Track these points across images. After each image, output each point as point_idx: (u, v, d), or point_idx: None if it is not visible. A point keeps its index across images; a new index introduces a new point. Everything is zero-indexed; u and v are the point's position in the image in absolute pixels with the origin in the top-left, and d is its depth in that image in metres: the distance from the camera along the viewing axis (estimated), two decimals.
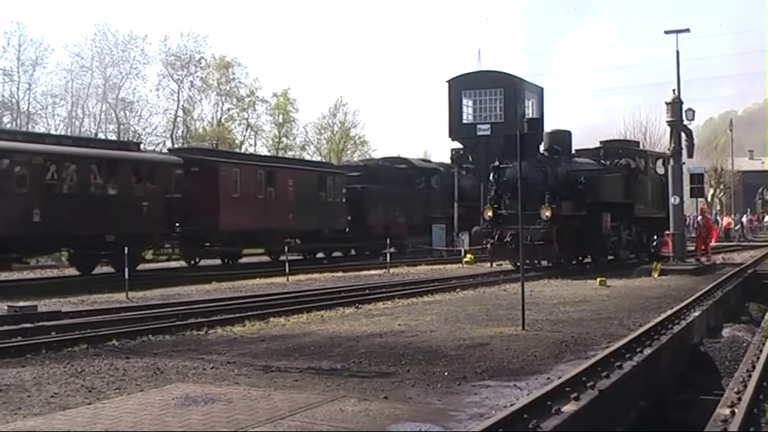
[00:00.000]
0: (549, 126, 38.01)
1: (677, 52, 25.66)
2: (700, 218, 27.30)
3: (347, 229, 31.51)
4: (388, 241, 26.53)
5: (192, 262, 26.65)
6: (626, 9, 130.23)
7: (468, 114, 48.75)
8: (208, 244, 26.13)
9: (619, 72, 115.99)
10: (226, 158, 28.14)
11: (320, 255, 32.39)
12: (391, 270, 23.75)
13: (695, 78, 70.62)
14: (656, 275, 20.62)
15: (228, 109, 63.11)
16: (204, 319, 12.17)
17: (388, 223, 33.41)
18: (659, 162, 28.13)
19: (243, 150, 54.33)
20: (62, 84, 54.08)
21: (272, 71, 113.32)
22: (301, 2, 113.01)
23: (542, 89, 51.91)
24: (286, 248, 22.34)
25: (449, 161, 41.58)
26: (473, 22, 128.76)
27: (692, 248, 26.78)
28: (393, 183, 34.31)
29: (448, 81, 49.58)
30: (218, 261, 28.16)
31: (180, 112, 59.27)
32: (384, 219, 33.30)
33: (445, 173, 38.58)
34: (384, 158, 41.10)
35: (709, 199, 62.87)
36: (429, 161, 42.20)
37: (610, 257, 24.94)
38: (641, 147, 35.89)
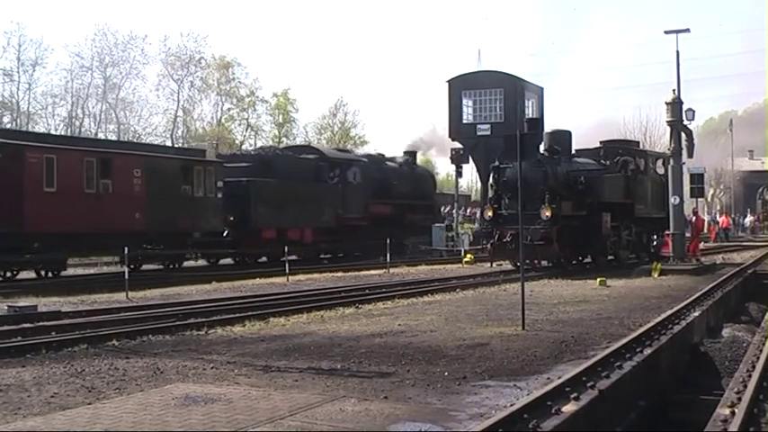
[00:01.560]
0: (549, 126, 38.05)
1: (677, 52, 25.74)
2: (693, 218, 27.28)
3: (226, 232, 25.65)
4: (388, 242, 25.97)
5: (3, 274, 20.59)
6: (626, 9, 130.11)
7: (468, 114, 48.84)
8: (29, 253, 20.27)
9: (620, 72, 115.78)
10: (36, 142, 21.61)
11: (191, 263, 26.59)
12: (391, 270, 23.75)
13: (695, 78, 70.56)
14: (656, 275, 20.62)
15: (228, 109, 63.26)
16: (204, 319, 12.17)
17: (286, 225, 27.33)
18: (659, 162, 28.14)
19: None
20: (62, 84, 54.22)
21: (272, 71, 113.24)
22: (301, 2, 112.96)
23: (542, 89, 52.02)
24: (286, 249, 21.94)
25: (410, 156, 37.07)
26: (473, 22, 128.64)
27: None
28: (295, 176, 27.95)
29: (448, 81, 49.66)
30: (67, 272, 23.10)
31: (180, 112, 59.39)
32: (279, 220, 26.92)
33: (368, 164, 32.32)
34: (288, 147, 35.90)
35: (709, 199, 62.88)
36: (348, 151, 36.25)
37: (610, 257, 24.94)
38: (641, 147, 35.85)
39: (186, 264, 25.85)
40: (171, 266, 24.50)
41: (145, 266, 24.07)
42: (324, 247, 29.83)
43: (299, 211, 27.60)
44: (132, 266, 23.22)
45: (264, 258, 27.55)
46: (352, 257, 29.16)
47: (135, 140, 48.63)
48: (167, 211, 23.01)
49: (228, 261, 27.60)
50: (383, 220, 31.75)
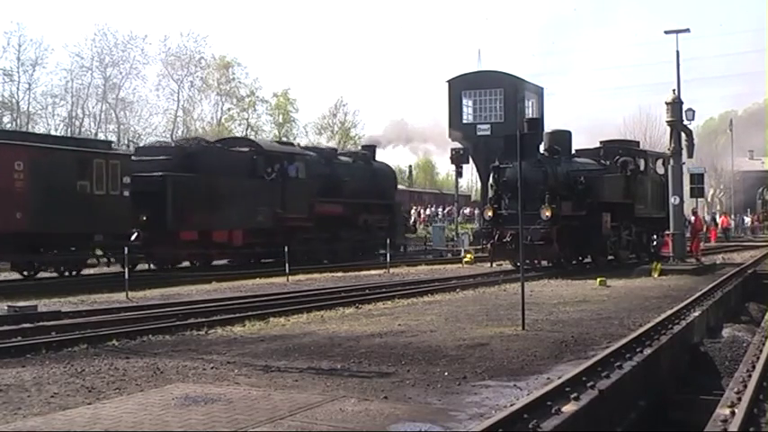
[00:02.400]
0: (549, 126, 38.06)
1: (677, 52, 25.82)
2: (692, 218, 27.24)
3: (135, 235, 21.71)
4: (388, 241, 25.89)
5: None
6: (627, 8, 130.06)
7: (468, 114, 48.90)
8: None
9: (621, 72, 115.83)
10: None
11: (105, 269, 22.87)
12: (391, 270, 23.77)
13: (701, 77, 70.51)
14: (656, 275, 20.62)
15: (228, 109, 63.39)
16: (204, 319, 12.16)
17: (210, 226, 24.03)
18: (659, 162, 28.16)
19: None
20: (62, 84, 54.30)
21: (272, 71, 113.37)
22: (301, 2, 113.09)
23: (542, 89, 52.17)
24: (286, 249, 21.75)
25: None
26: (473, 22, 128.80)
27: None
28: (225, 170, 24.56)
29: (448, 81, 49.74)
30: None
31: (180, 112, 59.51)
32: (202, 220, 23.60)
33: (315, 159, 28.71)
34: (221, 139, 32.56)
35: (709, 199, 62.88)
36: (291, 143, 32.72)
37: (610, 257, 24.95)
38: (641, 147, 35.84)
39: (93, 270, 22.56)
40: (69, 274, 21.24)
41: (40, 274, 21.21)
42: (259, 250, 26.21)
43: (227, 211, 24.18)
44: (27, 273, 21.05)
45: (186, 263, 24.97)
46: (300, 260, 25.13)
47: (134, 140, 48.71)
48: (58, 211, 19.73)
49: (186, 264, 25.37)
50: (332, 220, 28.80)
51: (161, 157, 23.68)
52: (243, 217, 24.98)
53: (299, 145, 30.83)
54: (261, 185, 25.80)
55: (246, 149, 26.76)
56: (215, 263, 26.26)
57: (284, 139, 51.90)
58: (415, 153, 52.73)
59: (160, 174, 22.76)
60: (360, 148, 35.14)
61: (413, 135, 40.40)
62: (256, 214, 25.43)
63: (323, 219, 28.17)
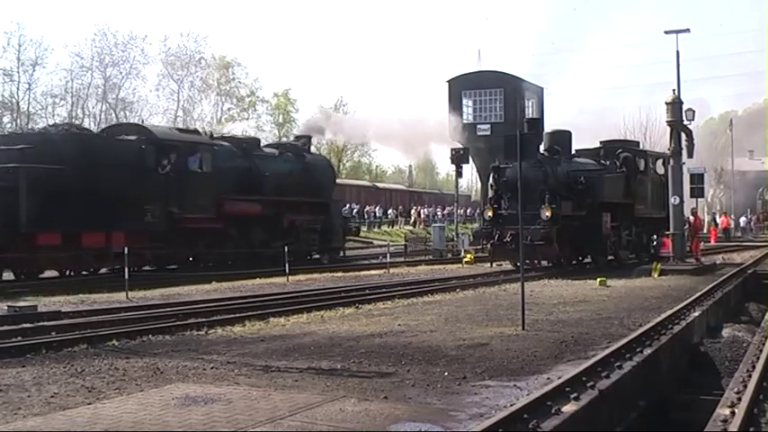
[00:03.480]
0: (549, 126, 37.99)
1: (677, 52, 25.82)
2: (691, 218, 27.25)
3: None
4: (387, 244, 25.81)
5: None
6: (628, 7, 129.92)
7: (468, 114, 48.86)
8: None
9: (623, 71, 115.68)
10: None
11: None
12: (391, 270, 23.79)
13: (696, 78, 70.45)
14: (656, 275, 20.63)
15: (228, 109, 63.40)
16: (204, 319, 12.17)
17: (79, 227, 19.99)
18: (659, 162, 28.16)
19: None
20: (62, 84, 54.33)
21: (272, 71, 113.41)
22: (301, 2, 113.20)
23: (542, 89, 52.08)
24: (285, 249, 21.64)
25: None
26: (473, 22, 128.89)
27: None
28: (103, 162, 20.53)
29: (448, 81, 49.71)
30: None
31: (180, 112, 59.51)
32: (68, 220, 19.55)
33: (225, 150, 24.81)
34: (107, 127, 28.48)
35: (709, 199, 62.83)
36: (196, 131, 27.41)
37: (610, 257, 24.95)
38: (641, 147, 35.83)
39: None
40: None
41: None
42: (148, 255, 22.04)
43: (104, 209, 20.16)
44: None
45: (55, 272, 20.77)
46: (205, 267, 22.67)
47: None
48: None
49: (50, 274, 20.79)
50: (249, 221, 25.00)
51: (18, 146, 19.65)
52: (125, 217, 20.96)
53: (209, 134, 26.40)
54: (150, 180, 21.84)
55: (134, 138, 22.52)
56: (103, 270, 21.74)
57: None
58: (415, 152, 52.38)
59: (11, 165, 18.97)
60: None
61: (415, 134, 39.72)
62: (143, 214, 21.50)
63: (236, 220, 24.47)
